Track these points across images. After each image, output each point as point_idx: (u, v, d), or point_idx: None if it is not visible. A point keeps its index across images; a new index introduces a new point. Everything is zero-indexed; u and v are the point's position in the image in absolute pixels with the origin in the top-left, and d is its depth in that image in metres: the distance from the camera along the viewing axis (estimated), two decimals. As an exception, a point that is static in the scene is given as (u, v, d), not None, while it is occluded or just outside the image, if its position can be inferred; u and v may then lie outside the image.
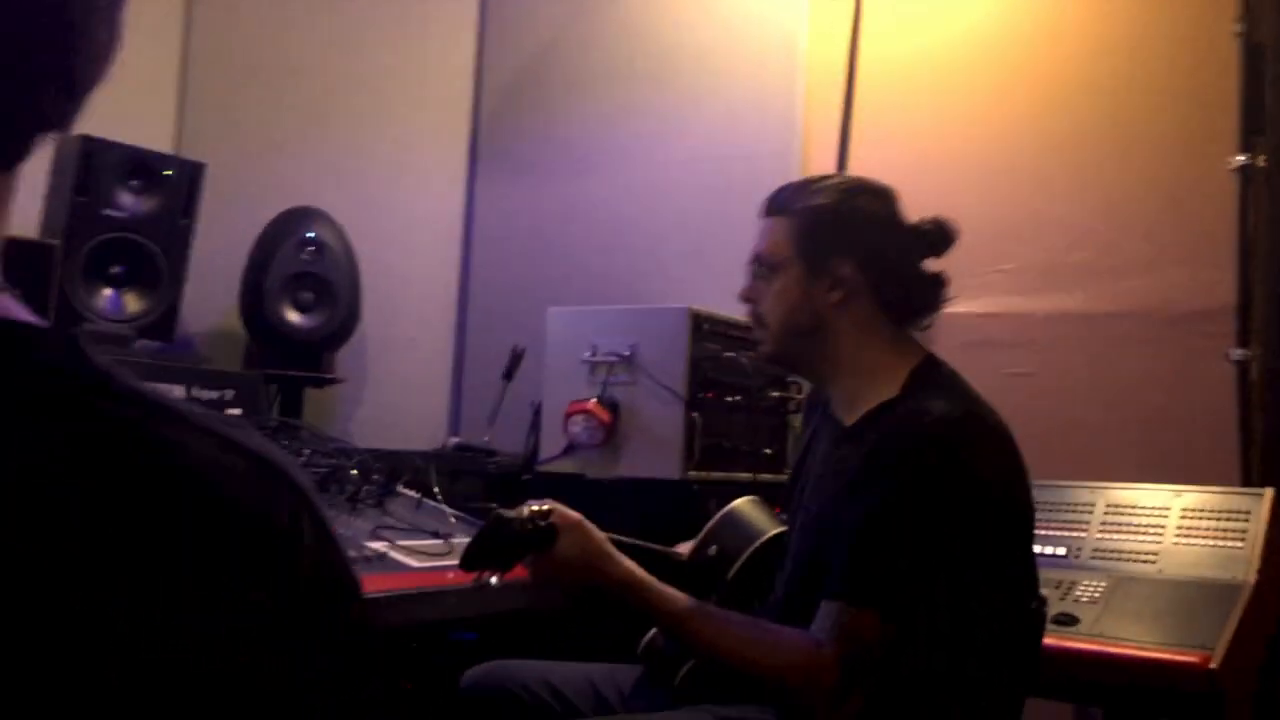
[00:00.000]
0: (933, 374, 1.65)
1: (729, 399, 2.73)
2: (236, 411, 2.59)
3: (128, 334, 2.72)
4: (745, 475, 2.70)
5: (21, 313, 0.56)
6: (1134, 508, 2.37)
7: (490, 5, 3.63)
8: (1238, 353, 2.70)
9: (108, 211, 2.74)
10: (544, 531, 1.59)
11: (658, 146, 3.36)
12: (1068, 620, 2.14)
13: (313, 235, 3.09)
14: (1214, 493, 2.34)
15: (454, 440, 3.22)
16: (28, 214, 2.73)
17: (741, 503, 1.93)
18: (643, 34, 3.42)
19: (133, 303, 2.80)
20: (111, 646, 0.50)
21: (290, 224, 3.11)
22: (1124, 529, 2.35)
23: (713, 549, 1.85)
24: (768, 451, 2.86)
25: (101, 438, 0.53)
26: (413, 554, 2.01)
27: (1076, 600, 2.21)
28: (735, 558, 1.83)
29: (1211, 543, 2.24)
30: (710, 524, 1.89)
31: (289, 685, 0.55)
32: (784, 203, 1.74)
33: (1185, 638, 2.04)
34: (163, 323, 2.84)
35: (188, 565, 0.52)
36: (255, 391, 2.71)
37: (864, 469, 1.54)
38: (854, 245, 1.67)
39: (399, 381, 3.49)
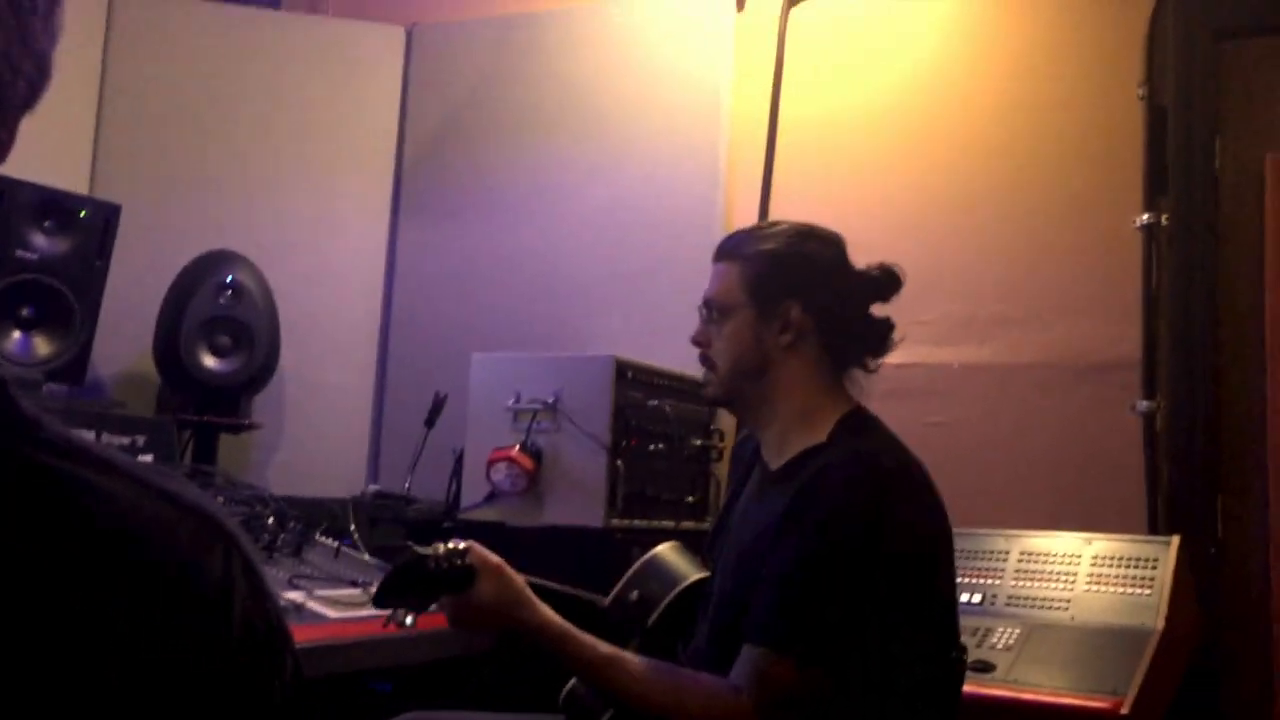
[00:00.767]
0: (860, 422, 1.69)
1: (652, 447, 2.74)
2: (148, 457, 2.53)
3: (37, 378, 2.65)
4: (668, 523, 2.71)
5: None
6: (1047, 555, 2.42)
7: (415, 50, 3.63)
8: (1143, 404, 2.79)
9: (20, 253, 2.67)
10: (460, 571, 1.57)
11: (582, 195, 3.37)
12: (984, 667, 2.17)
13: (230, 279, 3.04)
14: (1123, 540, 2.41)
15: (373, 487, 3.18)
16: (-66, 253, 2.66)
17: (664, 548, 1.93)
18: (568, 83, 3.44)
19: (43, 346, 2.73)
20: (34, 701, 0.48)
21: (208, 267, 3.06)
22: (1037, 576, 2.40)
23: (634, 594, 1.85)
24: (691, 499, 2.87)
25: (30, 488, 0.52)
26: (330, 604, 1.97)
27: (992, 647, 2.25)
28: (656, 603, 1.82)
29: (1121, 590, 2.30)
30: (632, 570, 1.89)
31: None
32: (735, 248, 1.77)
33: (1097, 684, 2.08)
34: (73, 366, 2.77)
35: (117, 620, 0.51)
36: (167, 437, 2.65)
37: (789, 513, 1.56)
38: (804, 289, 1.70)
39: (317, 428, 3.43)
